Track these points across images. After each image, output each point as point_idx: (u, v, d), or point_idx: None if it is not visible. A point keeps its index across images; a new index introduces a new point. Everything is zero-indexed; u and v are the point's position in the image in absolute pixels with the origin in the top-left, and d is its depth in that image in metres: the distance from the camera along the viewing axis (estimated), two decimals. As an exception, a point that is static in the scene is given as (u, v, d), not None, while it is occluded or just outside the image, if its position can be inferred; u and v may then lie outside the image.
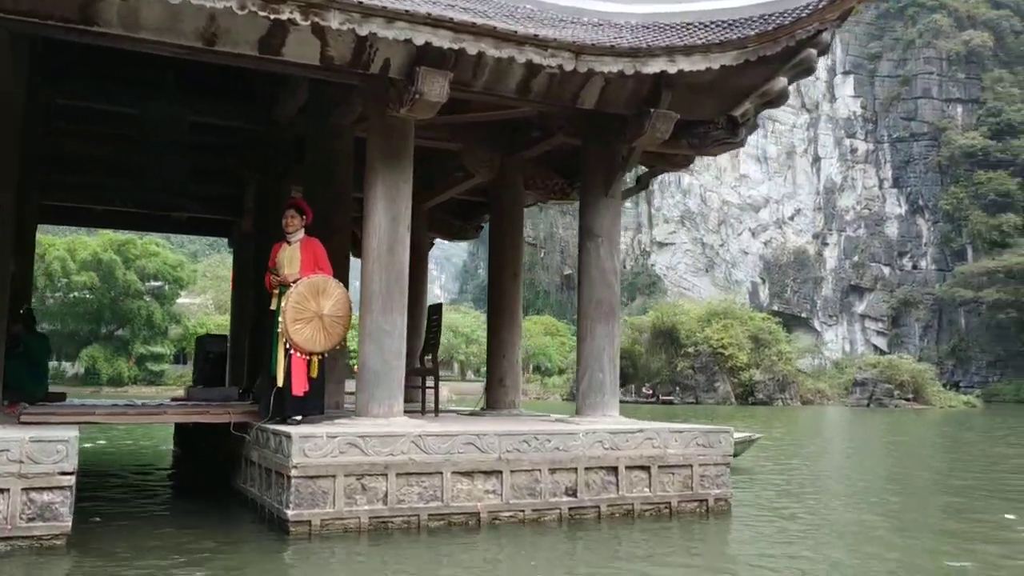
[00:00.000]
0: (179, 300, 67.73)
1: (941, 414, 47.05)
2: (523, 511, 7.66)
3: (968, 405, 55.95)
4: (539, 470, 7.73)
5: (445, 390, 52.70)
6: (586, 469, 7.94)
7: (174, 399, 12.30)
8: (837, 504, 10.15)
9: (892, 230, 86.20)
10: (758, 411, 46.16)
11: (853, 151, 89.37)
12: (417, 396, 10.52)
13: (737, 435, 14.98)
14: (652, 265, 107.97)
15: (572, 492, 7.89)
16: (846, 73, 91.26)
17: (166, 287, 64.59)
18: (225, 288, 70.21)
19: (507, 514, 7.61)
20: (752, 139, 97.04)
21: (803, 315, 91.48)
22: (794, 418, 38.22)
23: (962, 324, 79.18)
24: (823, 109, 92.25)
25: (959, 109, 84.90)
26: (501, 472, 7.58)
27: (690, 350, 55.62)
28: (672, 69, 7.86)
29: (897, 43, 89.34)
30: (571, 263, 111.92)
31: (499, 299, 11.23)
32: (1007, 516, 9.20)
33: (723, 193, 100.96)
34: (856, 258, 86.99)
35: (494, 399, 10.96)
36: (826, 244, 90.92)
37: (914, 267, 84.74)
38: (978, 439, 24.70)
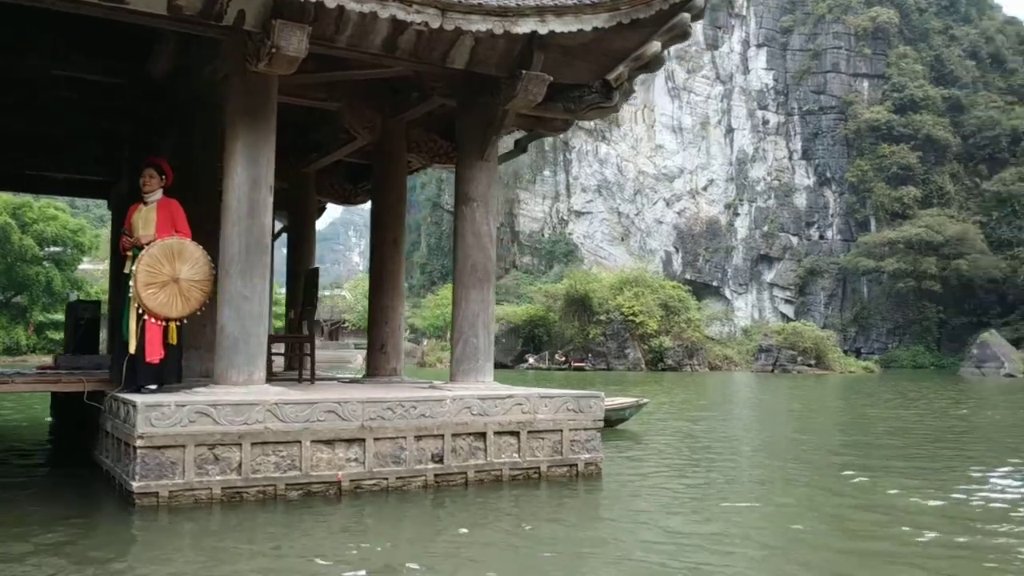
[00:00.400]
0: (81, 266, 65.29)
1: (841, 379, 48.69)
2: (387, 479, 7.55)
3: (867, 371, 58.06)
4: (404, 437, 7.62)
5: (360, 358, 51.80)
6: (453, 435, 7.86)
7: (40, 367, 11.78)
8: (710, 466, 10.32)
9: (800, 201, 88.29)
10: (667, 377, 46.99)
11: (765, 123, 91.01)
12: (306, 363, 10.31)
13: (625, 400, 15.23)
14: (570, 234, 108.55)
15: (439, 459, 7.80)
16: (759, 46, 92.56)
17: (68, 251, 62.17)
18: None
19: (370, 482, 7.48)
20: (668, 109, 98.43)
21: (714, 284, 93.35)
22: (699, 383, 39.04)
23: (864, 293, 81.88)
24: (737, 81, 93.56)
25: (865, 84, 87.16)
26: (364, 440, 7.44)
27: (602, 318, 56.20)
28: (543, 30, 7.72)
29: (808, 17, 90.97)
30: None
31: (380, 265, 11.00)
32: (859, 478, 9.49)
33: (639, 163, 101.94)
34: (766, 228, 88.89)
35: (375, 366, 10.78)
36: (737, 214, 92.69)
37: (821, 237, 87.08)
38: (866, 403, 25.61)
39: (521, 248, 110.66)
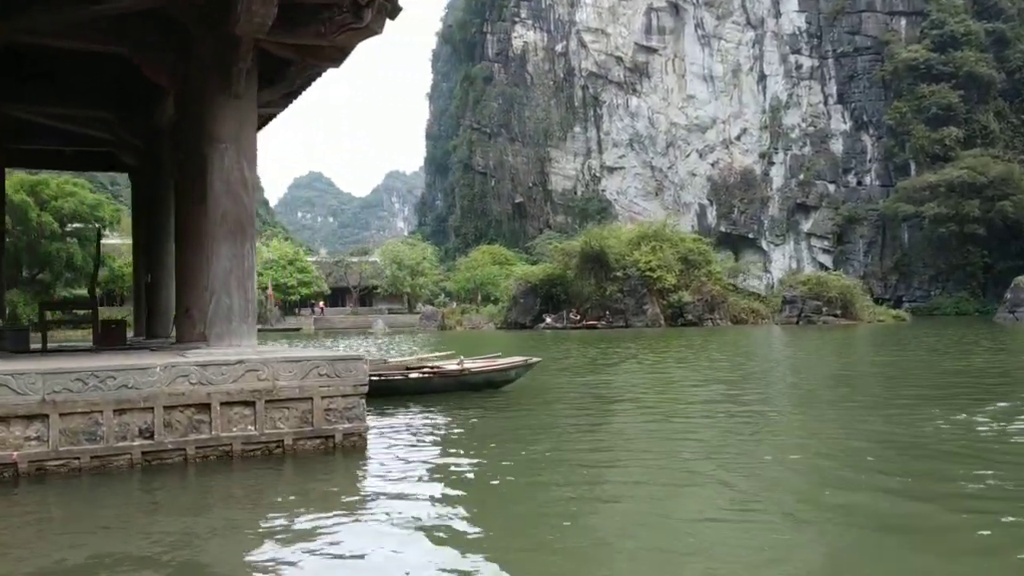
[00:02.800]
0: (104, 241, 65.93)
1: (867, 329, 46.74)
2: (78, 459, 6.69)
3: (897, 319, 55.71)
4: (100, 412, 6.73)
5: (380, 323, 51.42)
6: (167, 408, 6.96)
7: None
8: (530, 440, 9.27)
9: (837, 147, 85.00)
10: (686, 332, 45.59)
11: (798, 67, 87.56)
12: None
13: (510, 360, 14.18)
14: (603, 190, 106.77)
15: (148, 434, 6.92)
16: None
17: (94, 226, 62.75)
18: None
19: (57, 463, 6.63)
20: (698, 58, 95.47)
21: (750, 235, 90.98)
22: (702, 338, 37.55)
23: (905, 239, 78.76)
24: (768, 25, 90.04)
25: (903, 22, 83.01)
26: (47, 416, 6.58)
27: (619, 274, 54.70)
28: (246, -62, 6.66)
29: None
30: (521, 191, 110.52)
31: (185, 223, 10.07)
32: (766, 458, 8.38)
33: (671, 115, 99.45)
34: (802, 176, 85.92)
35: (181, 332, 9.90)
36: (772, 163, 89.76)
37: (859, 184, 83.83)
38: (860, 352, 24.14)
39: (554, 207, 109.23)
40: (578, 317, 54.20)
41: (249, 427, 7.25)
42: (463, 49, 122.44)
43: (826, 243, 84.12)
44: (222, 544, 5.12)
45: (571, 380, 15.71)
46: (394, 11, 7.77)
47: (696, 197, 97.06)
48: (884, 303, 66.03)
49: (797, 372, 17.71)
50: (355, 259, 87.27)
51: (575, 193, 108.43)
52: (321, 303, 78.78)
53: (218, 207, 7.97)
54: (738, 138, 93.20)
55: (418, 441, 8.56)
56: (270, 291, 71.61)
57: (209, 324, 8.05)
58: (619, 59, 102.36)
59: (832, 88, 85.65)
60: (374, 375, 12.50)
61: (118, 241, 69.91)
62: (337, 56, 8.42)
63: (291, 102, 10.84)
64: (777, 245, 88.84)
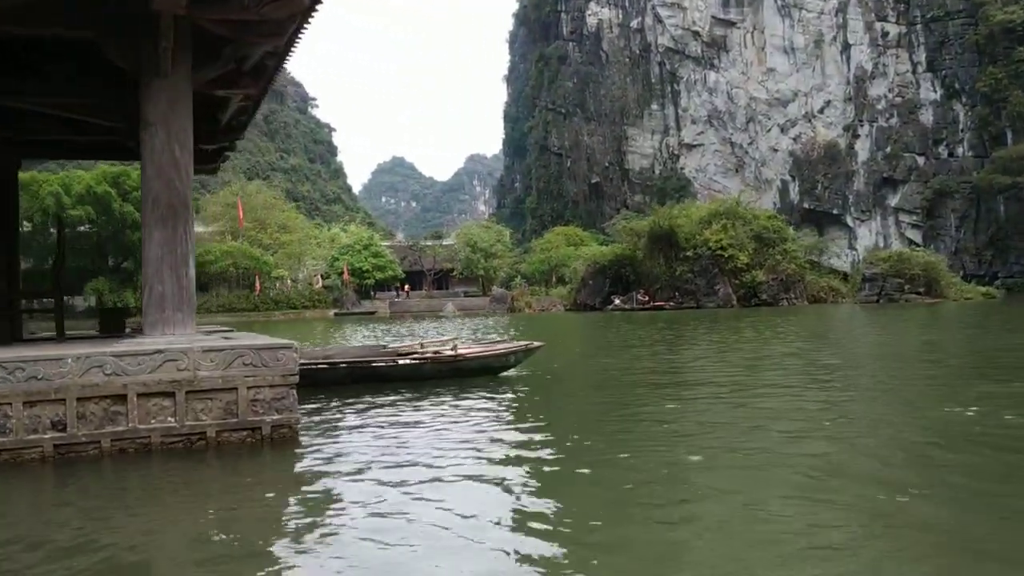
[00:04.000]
0: (185, 229, 67.91)
1: (953, 307, 44.48)
2: (-13, 451, 6.55)
3: (987, 296, 52.91)
4: (9, 404, 6.57)
5: (450, 306, 51.64)
6: (80, 399, 6.76)
7: None
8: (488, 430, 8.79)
9: (927, 117, 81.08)
10: (759, 312, 44.18)
11: (885, 35, 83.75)
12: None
13: (508, 345, 13.68)
14: (681, 168, 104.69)
15: (61, 427, 6.73)
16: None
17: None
18: (235, 216, 70.33)
19: (-37, 456, 6.50)
20: (778, 29, 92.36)
21: (835, 211, 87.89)
22: (773, 319, 36.24)
23: (1001, 212, 74.67)
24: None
25: (998, -19, 78.54)
26: (-48, 408, 6.45)
27: (689, 253, 53.42)
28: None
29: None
30: (597, 171, 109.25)
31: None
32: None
33: (750, 89, 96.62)
34: (889, 149, 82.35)
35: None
36: (857, 136, 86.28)
37: (950, 155, 79.81)
38: (948, 331, 22.75)
39: (631, 187, 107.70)
40: (646, 298, 53.20)
41: (169, 419, 7.00)
42: (538, 29, 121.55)
43: (915, 218, 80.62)
44: (128, 536, 4.86)
45: (609, 362, 15.13)
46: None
47: (778, 173, 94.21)
48: (977, 280, 62.88)
49: (872, 354, 16.67)
50: (429, 243, 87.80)
51: (653, 172, 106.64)
52: (406, 286, 79.68)
53: (149, 192, 7.73)
54: (821, 111, 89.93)
55: (363, 432, 8.19)
56: (346, 276, 72.69)
57: (144, 313, 7.84)
58: (696, 33, 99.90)
59: (921, 55, 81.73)
60: (362, 362, 12.21)
61: (201, 229, 71.92)
62: (276, 31, 8.00)
63: (267, 89, 10.58)
64: (863, 221, 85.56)
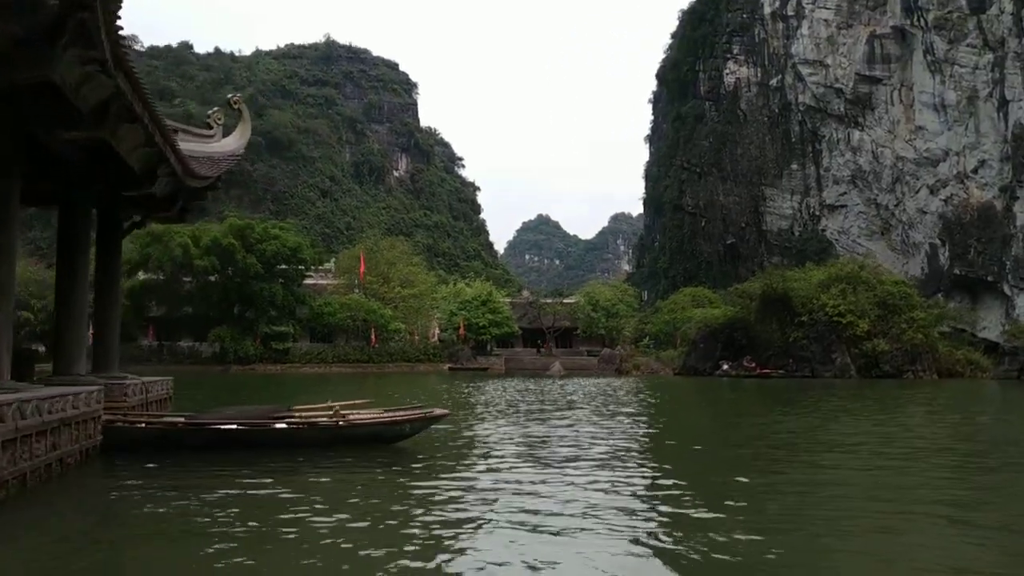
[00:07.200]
0: (308, 281, 70.34)
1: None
2: None
3: None
4: None
5: (557, 365, 51.08)
6: None
7: None
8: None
9: (1095, 178, 74.21)
10: (881, 385, 40.92)
11: (1046, 90, 77.66)
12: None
13: (408, 412, 12.50)
14: (823, 230, 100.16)
15: None
16: (1039, 1, 79.33)
17: (300, 268, 67.19)
18: (358, 270, 72.52)
19: None
20: (928, 85, 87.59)
21: (989, 278, 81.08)
22: (885, 393, 33.20)
23: None
24: (1010, 45, 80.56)
25: None
26: None
27: (804, 318, 50.33)
28: None
29: (1101, -41, 76.46)
30: (733, 231, 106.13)
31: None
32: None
33: (897, 148, 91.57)
34: (1051, 212, 75.73)
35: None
36: (1016, 198, 79.60)
37: (1123, 219, 72.52)
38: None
39: (769, 248, 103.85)
40: (752, 365, 50.40)
41: None
42: (675, 89, 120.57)
43: (1083, 287, 73.32)
44: None
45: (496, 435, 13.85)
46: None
47: (927, 236, 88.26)
48: None
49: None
50: (549, 300, 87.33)
51: (792, 233, 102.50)
52: (548, 342, 79.87)
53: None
54: (975, 171, 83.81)
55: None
56: (462, 331, 73.21)
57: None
58: (839, 91, 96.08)
59: (1087, 111, 75.09)
60: (230, 425, 11.49)
61: (321, 281, 74.43)
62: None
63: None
64: (1022, 289, 78.53)
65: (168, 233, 61.11)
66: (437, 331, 74.37)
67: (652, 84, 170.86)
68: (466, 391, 30.55)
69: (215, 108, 16.56)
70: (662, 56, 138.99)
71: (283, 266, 65.50)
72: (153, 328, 65.18)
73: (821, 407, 23.74)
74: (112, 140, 10.46)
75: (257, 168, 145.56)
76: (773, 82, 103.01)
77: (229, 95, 16.86)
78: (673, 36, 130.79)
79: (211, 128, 15.89)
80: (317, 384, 38.78)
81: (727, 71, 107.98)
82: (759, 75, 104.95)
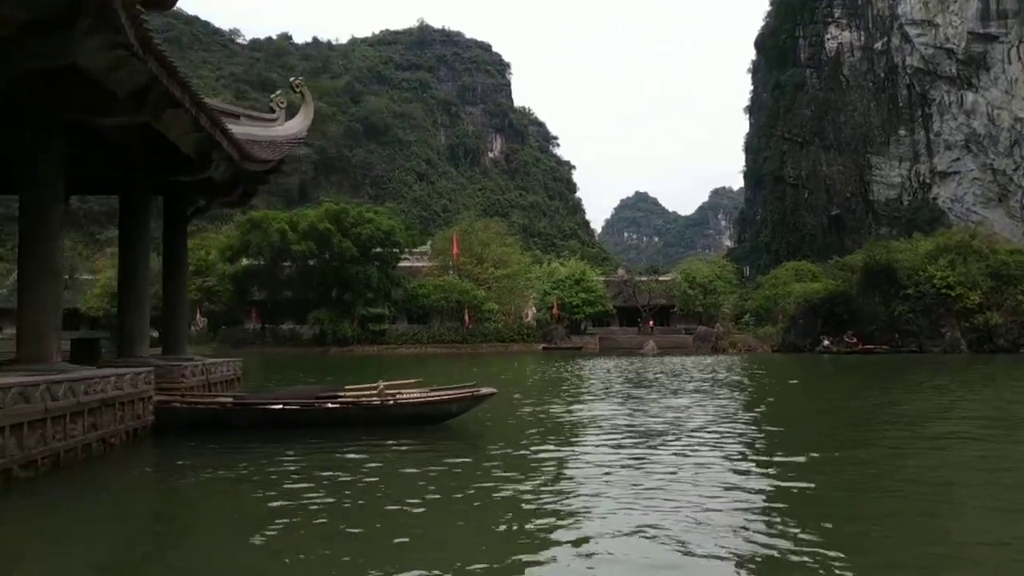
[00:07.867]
0: (402, 264, 71.17)
1: None
2: None
3: None
4: None
5: (651, 343, 50.41)
6: None
7: None
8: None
9: None
10: (996, 360, 38.71)
11: None
12: None
13: (453, 391, 12.15)
14: (934, 198, 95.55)
15: None
16: None
17: (395, 250, 68.09)
18: (451, 251, 73.06)
19: None
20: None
21: (1119, 246, 75.90)
22: (1000, 370, 31.37)
23: None
24: None
25: None
26: None
27: (910, 291, 47.96)
28: None
29: None
30: (838, 202, 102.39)
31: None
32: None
33: (1015, 109, 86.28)
34: None
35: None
36: None
37: None
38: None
39: (876, 218, 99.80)
40: (854, 340, 48.41)
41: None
42: (774, 57, 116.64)
43: None
44: None
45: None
46: None
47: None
48: None
49: None
50: (644, 278, 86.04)
51: (900, 202, 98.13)
52: (651, 321, 78.91)
53: None
54: (1102, 131, 78.47)
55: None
56: (555, 310, 72.92)
57: None
58: (950, 51, 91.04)
59: None
60: (276, 405, 11.49)
61: (416, 263, 75.25)
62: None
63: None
64: None
65: (267, 219, 62.80)
66: (532, 311, 74.23)
67: (751, 53, 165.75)
68: (554, 367, 30.25)
69: (278, 92, 16.72)
70: (760, 24, 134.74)
71: (378, 249, 66.34)
72: (256, 311, 67.21)
73: (955, 383, 22.47)
74: (158, 125, 10.58)
75: (356, 154, 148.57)
76: (878, 45, 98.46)
77: (292, 78, 16.97)
78: (772, 2, 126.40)
79: (274, 112, 16.03)
80: (414, 365, 39.02)
81: (828, 36, 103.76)
82: (862, 39, 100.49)
